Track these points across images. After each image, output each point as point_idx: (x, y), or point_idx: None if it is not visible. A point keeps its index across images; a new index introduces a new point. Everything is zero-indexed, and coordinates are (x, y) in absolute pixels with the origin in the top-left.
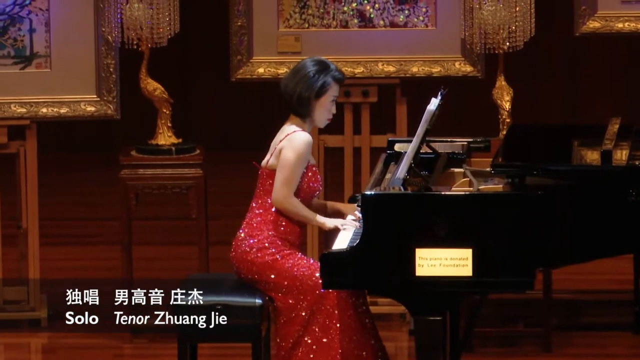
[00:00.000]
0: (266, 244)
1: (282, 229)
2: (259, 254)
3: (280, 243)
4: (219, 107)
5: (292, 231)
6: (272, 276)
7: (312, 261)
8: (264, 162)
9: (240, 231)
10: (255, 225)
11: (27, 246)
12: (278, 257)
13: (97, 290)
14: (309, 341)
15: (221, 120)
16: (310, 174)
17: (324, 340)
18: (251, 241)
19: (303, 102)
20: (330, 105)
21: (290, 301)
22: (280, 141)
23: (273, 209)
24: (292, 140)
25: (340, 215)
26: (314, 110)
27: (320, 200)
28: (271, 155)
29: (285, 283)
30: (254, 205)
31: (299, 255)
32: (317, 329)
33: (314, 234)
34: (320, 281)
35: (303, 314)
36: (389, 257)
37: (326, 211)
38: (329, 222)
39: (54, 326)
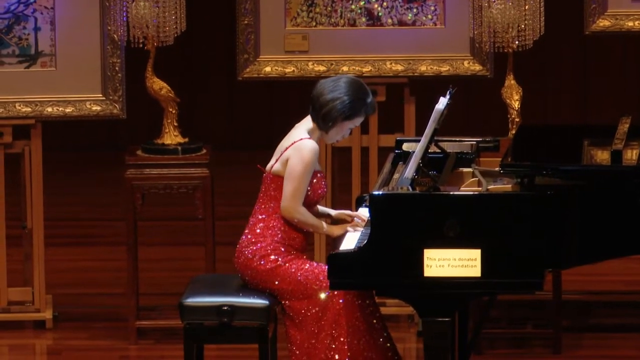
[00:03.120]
0: (269, 251)
1: (285, 235)
2: (262, 262)
3: (283, 250)
4: (226, 106)
5: (296, 237)
6: (276, 282)
7: (315, 264)
8: (268, 166)
9: (243, 237)
10: (258, 231)
11: (32, 247)
12: (281, 262)
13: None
14: (318, 347)
15: (228, 119)
16: (315, 180)
17: (332, 344)
18: (254, 248)
19: (329, 119)
20: (347, 130)
21: (297, 305)
22: (287, 148)
23: (276, 215)
24: (299, 150)
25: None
26: (333, 128)
27: (326, 208)
28: (276, 160)
29: (290, 288)
30: (257, 209)
31: (302, 260)
32: (323, 335)
33: (321, 235)
34: (325, 284)
35: (314, 311)
36: (397, 257)
37: (330, 219)
38: (337, 231)
39: (59, 327)
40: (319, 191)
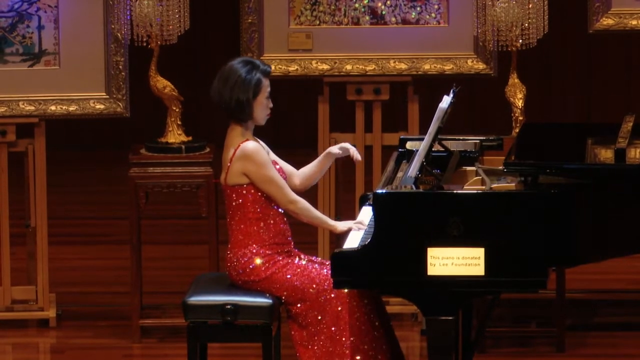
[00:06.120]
0: (257, 262)
1: (266, 237)
2: (254, 272)
3: (270, 252)
4: None
5: (277, 233)
6: (273, 290)
7: (310, 267)
8: (222, 179)
9: (228, 252)
10: (238, 242)
11: (35, 245)
12: (275, 270)
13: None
14: (320, 348)
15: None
16: None
17: (332, 347)
18: (242, 261)
19: (242, 106)
20: (266, 101)
21: (297, 309)
22: (231, 159)
23: (249, 220)
24: (247, 157)
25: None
26: (253, 110)
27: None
28: (227, 173)
29: (288, 294)
30: (229, 223)
31: (296, 264)
32: (324, 337)
33: (324, 233)
34: (321, 287)
35: (314, 313)
36: (401, 256)
37: (312, 175)
38: (341, 226)
39: (63, 326)
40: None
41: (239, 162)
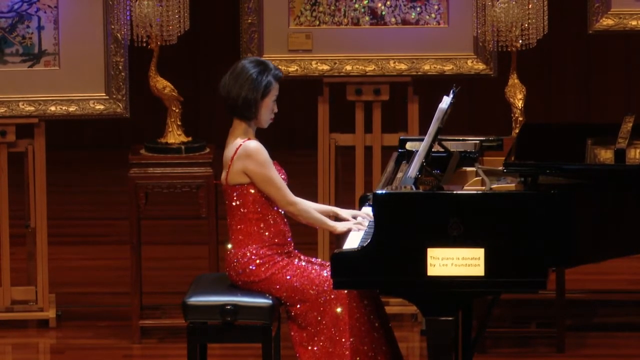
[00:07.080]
0: (258, 262)
1: (266, 237)
2: (254, 273)
3: (270, 253)
4: None
5: (277, 233)
6: (273, 291)
7: (310, 268)
8: (222, 179)
9: (228, 252)
10: (238, 242)
11: (35, 245)
12: (275, 270)
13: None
14: (320, 349)
15: (231, 118)
16: None
17: (331, 348)
18: (242, 261)
19: (249, 104)
20: (272, 105)
21: (296, 309)
22: (233, 158)
23: (249, 220)
24: (249, 156)
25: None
26: (259, 111)
27: (322, 206)
28: (227, 172)
29: (288, 295)
30: (230, 223)
31: (295, 264)
32: (324, 337)
33: (324, 234)
34: (321, 288)
35: (314, 314)
36: (400, 256)
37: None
38: (340, 226)
39: (63, 326)
40: (282, 177)
41: (240, 161)
